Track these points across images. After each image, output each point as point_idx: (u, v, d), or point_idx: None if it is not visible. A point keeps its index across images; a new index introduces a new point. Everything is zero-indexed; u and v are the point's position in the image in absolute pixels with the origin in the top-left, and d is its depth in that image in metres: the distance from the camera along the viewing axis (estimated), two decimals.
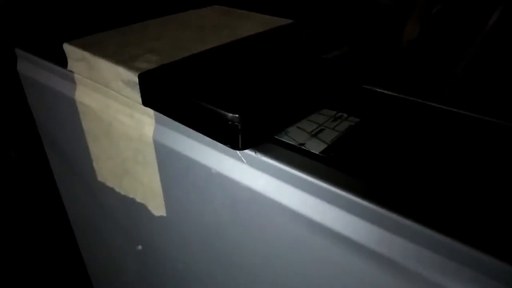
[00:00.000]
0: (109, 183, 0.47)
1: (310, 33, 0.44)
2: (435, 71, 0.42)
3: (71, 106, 0.45)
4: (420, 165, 0.26)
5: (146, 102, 0.34)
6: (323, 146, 0.28)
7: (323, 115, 0.33)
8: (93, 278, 0.74)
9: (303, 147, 0.28)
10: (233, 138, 0.28)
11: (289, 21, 0.47)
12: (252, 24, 0.45)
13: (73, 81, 0.44)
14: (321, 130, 0.30)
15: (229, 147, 0.28)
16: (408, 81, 0.40)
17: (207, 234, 0.37)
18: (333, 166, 0.26)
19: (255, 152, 0.28)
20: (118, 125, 0.39)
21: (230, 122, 0.27)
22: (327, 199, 0.25)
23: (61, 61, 0.44)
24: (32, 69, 0.50)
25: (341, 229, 0.24)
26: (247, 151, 0.28)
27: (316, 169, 0.26)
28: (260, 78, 0.32)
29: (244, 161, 0.29)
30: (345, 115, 0.33)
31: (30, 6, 0.72)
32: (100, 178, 0.48)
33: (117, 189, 0.46)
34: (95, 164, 0.48)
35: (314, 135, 0.30)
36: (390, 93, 0.36)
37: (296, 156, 0.27)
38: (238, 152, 0.29)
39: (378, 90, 0.37)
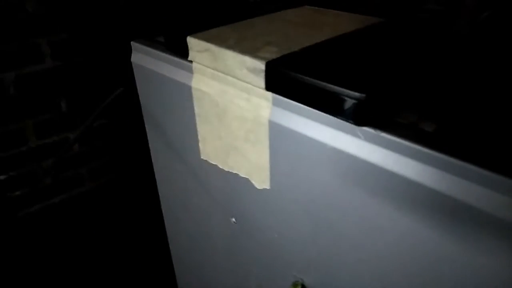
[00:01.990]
0: (213, 161, 0.53)
1: (404, 29, 0.48)
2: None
3: (183, 93, 0.52)
4: None
5: (269, 87, 0.39)
6: (434, 126, 0.33)
7: (429, 100, 0.37)
8: (174, 254, 0.81)
9: (417, 126, 0.33)
10: (356, 115, 0.33)
11: (381, 19, 0.52)
12: (349, 22, 0.50)
13: (189, 70, 0.50)
14: (428, 115, 0.35)
15: (351, 123, 0.33)
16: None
17: (312, 205, 0.42)
18: (446, 141, 0.30)
19: (375, 129, 0.33)
20: (233, 108, 0.45)
21: (356, 100, 0.32)
22: (443, 167, 0.29)
23: (178, 52, 0.51)
24: (146, 59, 0.58)
25: (462, 197, 0.29)
26: (366, 128, 0.33)
27: (433, 143, 0.30)
28: (375, 64, 0.36)
29: (362, 136, 0.34)
30: (447, 100, 0.37)
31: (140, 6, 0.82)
32: (203, 156, 0.55)
33: (220, 166, 0.52)
34: (200, 144, 0.54)
35: (424, 117, 0.34)
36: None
37: (412, 132, 0.32)
38: (357, 128, 0.34)
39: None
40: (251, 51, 0.41)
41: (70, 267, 1.09)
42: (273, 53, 0.40)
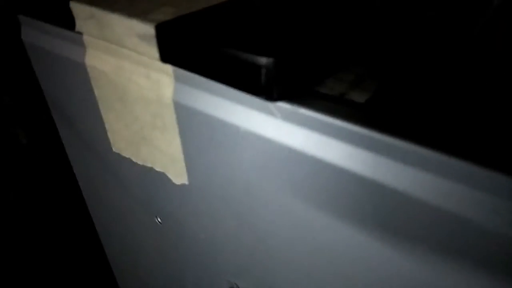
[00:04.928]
0: (125, 153, 0.44)
1: None
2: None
3: (82, 73, 0.42)
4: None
5: (164, 57, 0.31)
6: (367, 96, 0.25)
7: (361, 66, 0.29)
8: (109, 256, 0.72)
9: (345, 97, 0.25)
10: (266, 88, 0.25)
11: None
12: None
13: (82, 45, 0.41)
14: (362, 80, 0.27)
15: (262, 98, 0.26)
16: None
17: (233, 200, 0.34)
18: (382, 115, 0.23)
19: (292, 104, 0.25)
20: (133, 87, 0.36)
21: (263, 69, 0.24)
22: (380, 151, 0.22)
23: (69, 24, 0.41)
24: (38, 36, 0.47)
25: (395, 184, 0.22)
26: (281, 104, 0.25)
27: (364, 119, 0.23)
28: (291, 24, 0.28)
29: (278, 115, 0.26)
30: (383, 66, 0.29)
31: None
32: (115, 149, 0.46)
33: (134, 159, 0.44)
34: (109, 134, 0.45)
35: (355, 85, 0.27)
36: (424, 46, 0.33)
37: (339, 107, 0.24)
38: (271, 104, 0.26)
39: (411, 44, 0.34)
40: (141, 14, 0.32)
41: (23, 270, 0.98)
42: (167, 15, 0.31)
